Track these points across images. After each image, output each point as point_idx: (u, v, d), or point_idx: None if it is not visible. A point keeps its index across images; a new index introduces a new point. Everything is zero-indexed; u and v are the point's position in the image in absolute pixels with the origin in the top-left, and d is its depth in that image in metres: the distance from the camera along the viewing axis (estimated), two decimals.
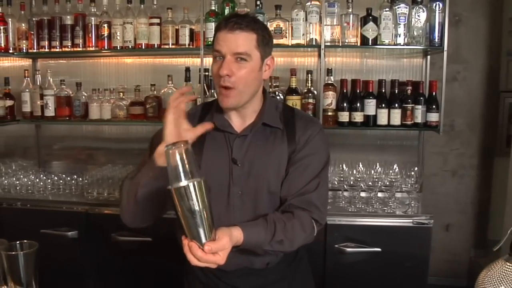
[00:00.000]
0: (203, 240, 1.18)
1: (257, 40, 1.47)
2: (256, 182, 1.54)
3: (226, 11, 2.72)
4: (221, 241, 1.23)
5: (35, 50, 3.00)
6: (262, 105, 1.60)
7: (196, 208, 1.14)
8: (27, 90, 3.06)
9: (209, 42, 2.67)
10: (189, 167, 1.15)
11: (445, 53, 2.58)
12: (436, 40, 2.60)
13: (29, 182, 3.01)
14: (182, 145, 1.16)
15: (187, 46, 2.84)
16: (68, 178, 3.02)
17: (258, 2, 2.71)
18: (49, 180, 3.02)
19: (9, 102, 3.06)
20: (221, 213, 1.52)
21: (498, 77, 3.40)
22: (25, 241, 1.37)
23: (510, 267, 1.10)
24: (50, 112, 3.01)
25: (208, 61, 2.79)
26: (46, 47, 2.96)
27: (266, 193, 1.54)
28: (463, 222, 3.57)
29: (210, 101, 1.70)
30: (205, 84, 2.80)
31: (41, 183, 2.99)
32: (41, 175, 3.08)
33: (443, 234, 3.56)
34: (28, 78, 3.09)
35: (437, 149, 3.47)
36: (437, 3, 2.56)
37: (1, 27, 2.95)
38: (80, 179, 3.03)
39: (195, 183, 1.14)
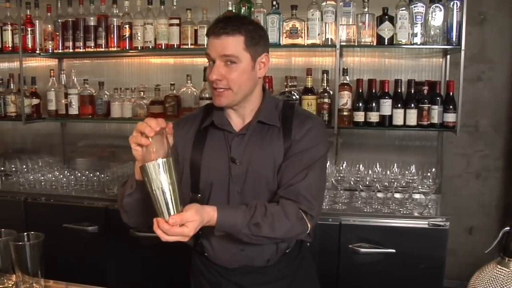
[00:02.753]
0: (172, 214, 1.25)
1: (245, 42, 1.48)
2: (254, 180, 1.55)
3: (243, 11, 2.74)
4: (186, 212, 1.27)
5: (60, 51, 3.09)
6: (260, 103, 1.61)
7: (164, 184, 1.22)
8: (52, 89, 3.16)
9: None
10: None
11: (462, 52, 2.51)
12: (454, 39, 2.54)
13: (53, 178, 3.12)
14: None
15: (205, 46, 2.87)
16: (91, 175, 3.11)
17: (274, 3, 2.73)
18: (72, 177, 3.11)
19: (35, 101, 3.19)
20: None
21: None
22: (32, 232, 1.44)
23: (501, 270, 1.10)
24: (74, 110, 3.10)
25: None
26: (71, 48, 3.04)
27: (265, 191, 1.55)
28: (487, 225, 3.47)
29: (212, 102, 1.72)
30: None
31: (65, 179, 3.09)
32: (65, 172, 3.18)
33: (466, 237, 3.47)
34: (54, 78, 3.19)
35: (460, 150, 3.39)
36: (455, 1, 2.50)
37: (29, 29, 3.08)
38: (102, 175, 3.12)
39: (161, 160, 1.23)
